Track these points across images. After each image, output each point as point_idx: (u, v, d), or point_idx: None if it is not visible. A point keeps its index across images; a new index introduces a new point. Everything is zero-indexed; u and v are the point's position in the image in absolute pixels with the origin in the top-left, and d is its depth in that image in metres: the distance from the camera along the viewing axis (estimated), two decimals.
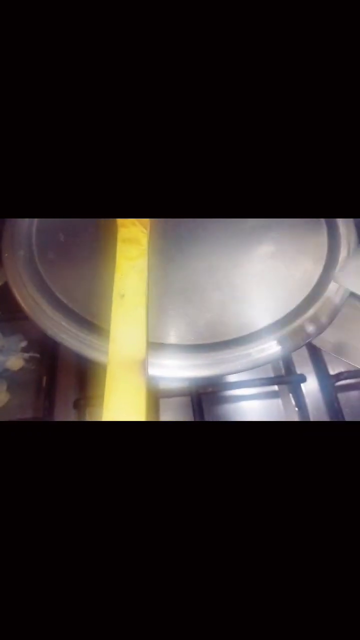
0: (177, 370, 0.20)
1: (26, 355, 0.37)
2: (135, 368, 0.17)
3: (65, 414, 0.34)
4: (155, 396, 0.33)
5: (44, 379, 0.37)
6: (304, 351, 0.41)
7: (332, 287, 0.23)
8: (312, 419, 0.36)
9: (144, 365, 0.17)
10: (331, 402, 0.36)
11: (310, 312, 0.22)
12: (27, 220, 0.26)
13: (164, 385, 0.36)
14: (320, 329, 0.21)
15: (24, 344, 0.38)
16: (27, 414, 0.31)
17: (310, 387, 0.38)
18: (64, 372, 0.38)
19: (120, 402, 0.16)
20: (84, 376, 0.38)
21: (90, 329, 0.21)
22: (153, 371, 0.20)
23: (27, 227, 0.25)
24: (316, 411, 0.37)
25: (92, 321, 0.21)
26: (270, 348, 0.21)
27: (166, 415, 0.36)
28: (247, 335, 0.21)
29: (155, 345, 0.21)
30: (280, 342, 0.21)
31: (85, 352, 0.20)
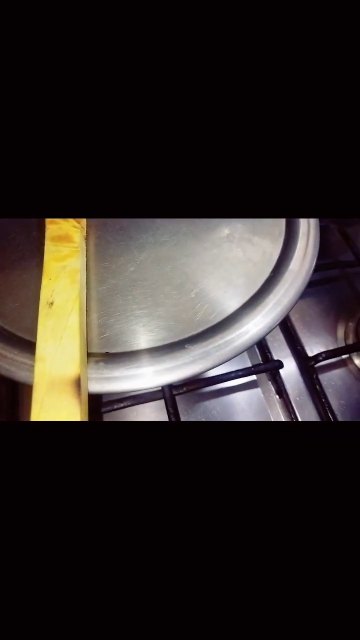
0: (128, 382, 0.17)
1: None
2: (67, 390, 0.14)
3: None
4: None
5: (4, 399, 0.34)
6: (279, 335, 0.39)
7: (294, 263, 0.20)
8: (294, 405, 0.35)
9: (78, 385, 0.14)
10: (312, 384, 0.35)
11: (272, 296, 0.20)
12: None
13: (130, 392, 0.33)
14: (285, 312, 0.19)
15: None
16: None
17: (290, 372, 0.37)
18: (25, 389, 0.35)
19: None
20: None
21: (23, 347, 0.18)
22: (100, 387, 0.17)
23: None
24: (299, 397, 0.36)
25: (24, 337, 0.18)
26: (234, 341, 0.18)
27: (145, 418, 0.34)
28: (206, 329, 0.19)
29: (100, 357, 0.18)
30: (243, 332, 0.19)
31: (16, 375, 0.17)
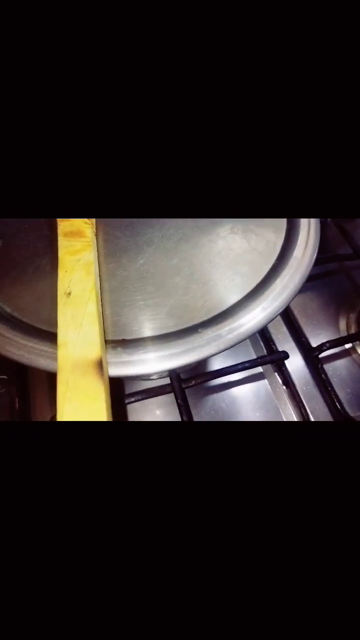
0: (146, 365, 0.18)
1: None
2: (90, 371, 0.15)
3: None
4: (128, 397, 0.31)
5: (16, 400, 0.34)
6: (283, 328, 0.40)
7: (298, 250, 0.21)
8: (301, 395, 0.36)
9: (100, 366, 0.15)
10: (318, 374, 0.36)
11: (279, 281, 0.21)
12: None
13: (140, 383, 0.34)
14: (292, 296, 0.20)
15: None
16: None
17: (295, 362, 0.37)
18: (36, 390, 0.36)
19: (77, 412, 0.14)
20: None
21: (42, 337, 0.19)
22: (118, 371, 0.18)
23: None
24: (305, 387, 0.37)
25: (42, 328, 0.19)
26: (244, 325, 0.19)
27: (150, 416, 0.34)
28: (215, 316, 0.20)
29: (117, 343, 0.19)
30: (252, 317, 0.20)
31: (37, 362, 0.18)
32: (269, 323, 0.19)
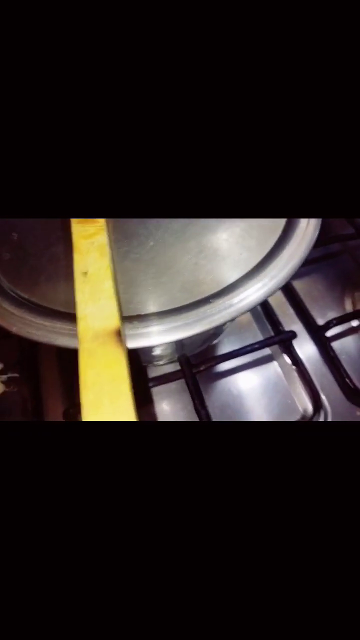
0: (161, 336, 0.19)
1: (4, 377, 0.35)
2: (110, 340, 0.15)
3: None
4: (147, 385, 0.32)
5: (29, 398, 0.35)
6: (289, 310, 0.40)
7: (302, 222, 0.22)
8: (311, 374, 0.36)
9: (119, 334, 0.15)
10: (326, 352, 0.36)
11: (285, 251, 0.21)
12: None
13: (154, 369, 0.34)
14: (297, 265, 0.20)
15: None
16: None
17: (303, 342, 0.38)
18: (48, 386, 0.36)
19: (99, 377, 0.14)
20: (69, 384, 0.36)
21: (61, 318, 0.19)
22: (136, 343, 0.18)
23: None
24: (314, 365, 0.37)
25: (60, 310, 0.20)
26: (252, 294, 0.20)
27: (163, 404, 0.35)
28: (225, 288, 0.20)
29: (133, 318, 0.19)
30: (263, 285, 0.20)
31: (57, 341, 0.18)
32: (278, 290, 0.20)
